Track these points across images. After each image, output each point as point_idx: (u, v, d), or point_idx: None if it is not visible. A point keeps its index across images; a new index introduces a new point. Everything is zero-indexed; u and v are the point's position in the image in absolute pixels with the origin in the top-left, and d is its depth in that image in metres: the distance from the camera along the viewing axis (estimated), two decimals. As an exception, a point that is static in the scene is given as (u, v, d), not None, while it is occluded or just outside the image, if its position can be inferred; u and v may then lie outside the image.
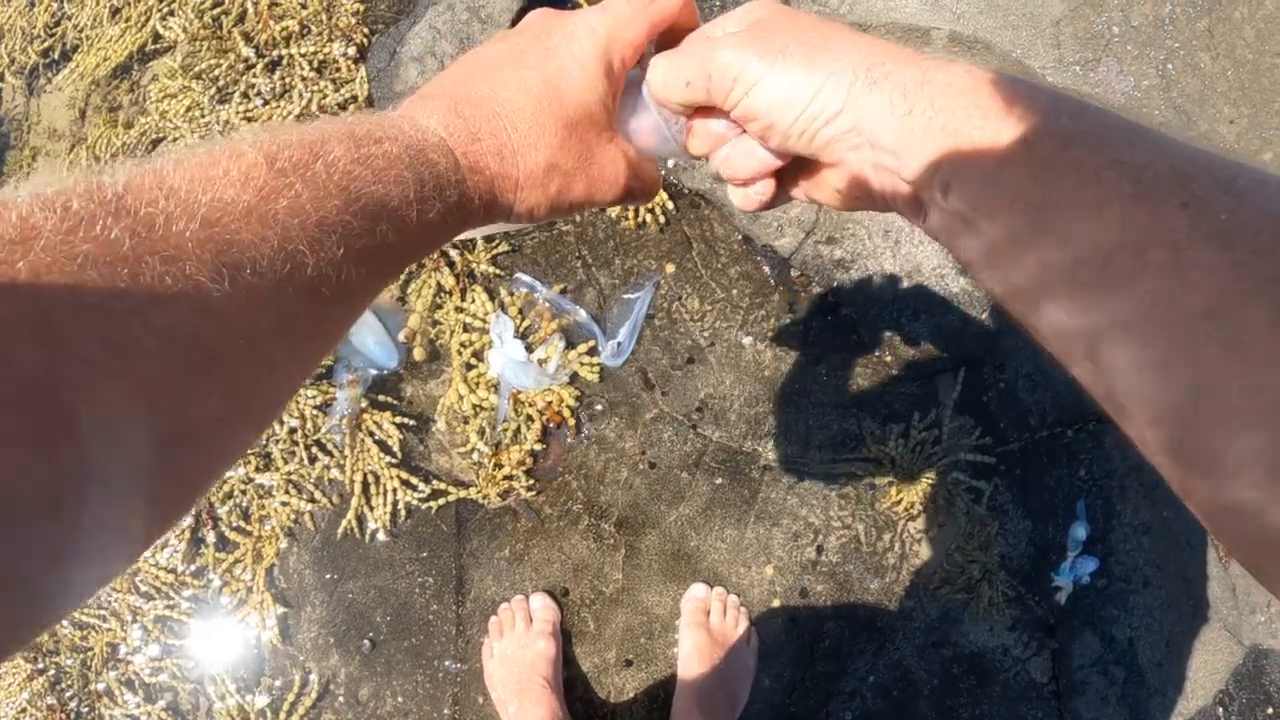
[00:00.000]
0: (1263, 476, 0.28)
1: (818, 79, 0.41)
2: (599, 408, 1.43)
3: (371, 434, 1.41)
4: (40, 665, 1.45)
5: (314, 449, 1.42)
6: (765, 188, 0.50)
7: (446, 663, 1.40)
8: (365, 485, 1.40)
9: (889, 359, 1.47)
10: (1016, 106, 0.36)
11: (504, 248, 1.48)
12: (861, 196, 0.46)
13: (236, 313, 0.30)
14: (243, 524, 1.43)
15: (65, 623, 1.45)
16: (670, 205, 1.48)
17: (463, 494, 1.40)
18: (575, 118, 0.46)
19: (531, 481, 1.41)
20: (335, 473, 1.42)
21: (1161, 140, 0.34)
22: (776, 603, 1.42)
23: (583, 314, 1.43)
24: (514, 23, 1.52)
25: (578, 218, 1.51)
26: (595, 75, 0.47)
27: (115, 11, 1.66)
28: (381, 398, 1.42)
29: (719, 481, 1.43)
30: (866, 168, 0.43)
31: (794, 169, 0.50)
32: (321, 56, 1.54)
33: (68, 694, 1.44)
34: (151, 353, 0.27)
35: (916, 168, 0.39)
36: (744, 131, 0.47)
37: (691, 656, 1.34)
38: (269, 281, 0.31)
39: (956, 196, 0.38)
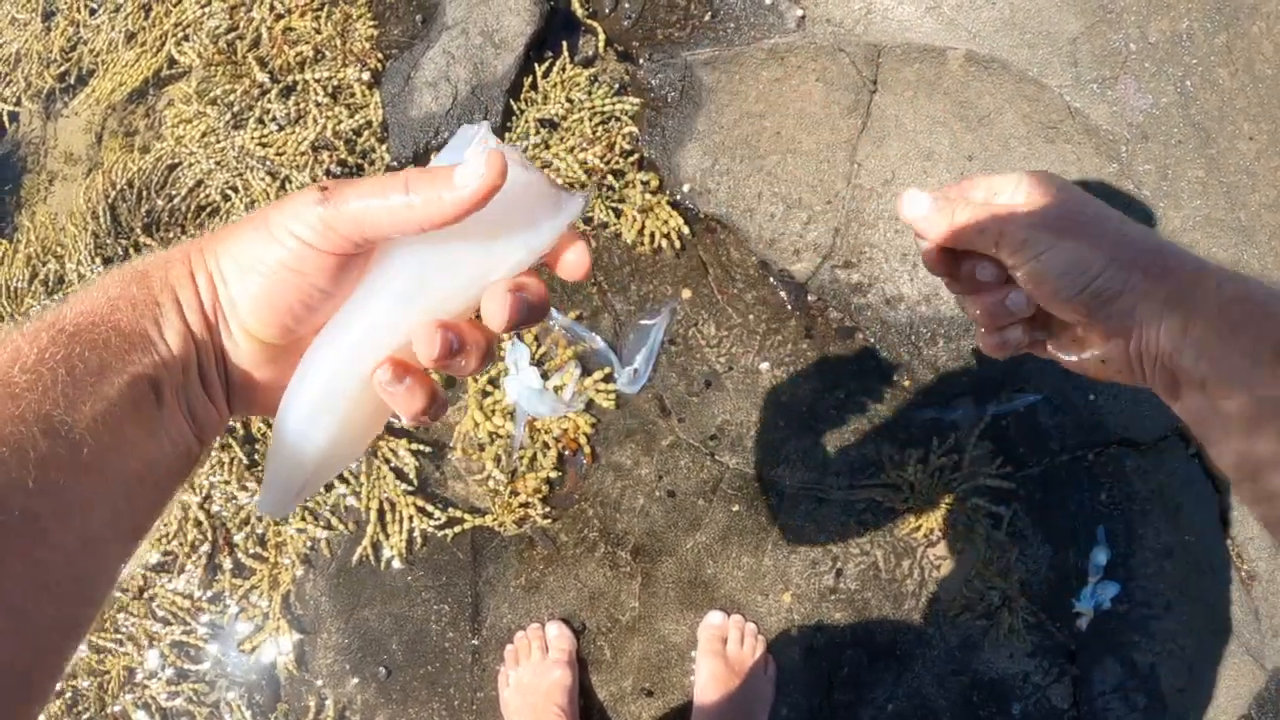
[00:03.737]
0: None
1: (1101, 261, 0.48)
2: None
3: (388, 461, 1.41)
4: (57, 688, 1.45)
5: (330, 476, 1.42)
6: (1018, 332, 0.56)
7: (462, 690, 1.40)
8: (381, 512, 1.40)
9: (907, 383, 1.46)
10: (1268, 319, 0.44)
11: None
12: (1117, 369, 0.51)
13: None
14: (259, 550, 1.43)
15: (82, 647, 1.45)
16: (686, 230, 1.48)
17: (479, 521, 1.40)
18: None
19: (548, 509, 1.40)
20: (351, 500, 1.42)
21: None
22: (794, 630, 1.41)
23: (599, 341, 1.42)
24: (528, 47, 1.51)
25: (593, 243, 1.50)
26: None
27: (130, 36, 1.67)
28: (397, 425, 1.42)
29: (736, 508, 1.42)
30: (1129, 347, 0.49)
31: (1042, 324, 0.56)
32: (336, 81, 1.54)
33: (84, 717, 1.44)
34: None
35: (1180, 361, 0.46)
36: (1008, 281, 0.53)
37: (708, 685, 1.33)
38: None
39: (1213, 390, 0.45)
